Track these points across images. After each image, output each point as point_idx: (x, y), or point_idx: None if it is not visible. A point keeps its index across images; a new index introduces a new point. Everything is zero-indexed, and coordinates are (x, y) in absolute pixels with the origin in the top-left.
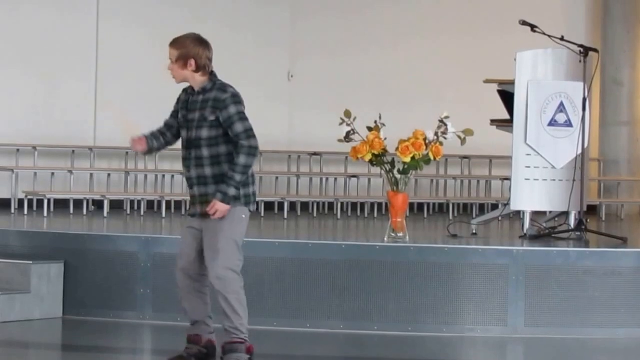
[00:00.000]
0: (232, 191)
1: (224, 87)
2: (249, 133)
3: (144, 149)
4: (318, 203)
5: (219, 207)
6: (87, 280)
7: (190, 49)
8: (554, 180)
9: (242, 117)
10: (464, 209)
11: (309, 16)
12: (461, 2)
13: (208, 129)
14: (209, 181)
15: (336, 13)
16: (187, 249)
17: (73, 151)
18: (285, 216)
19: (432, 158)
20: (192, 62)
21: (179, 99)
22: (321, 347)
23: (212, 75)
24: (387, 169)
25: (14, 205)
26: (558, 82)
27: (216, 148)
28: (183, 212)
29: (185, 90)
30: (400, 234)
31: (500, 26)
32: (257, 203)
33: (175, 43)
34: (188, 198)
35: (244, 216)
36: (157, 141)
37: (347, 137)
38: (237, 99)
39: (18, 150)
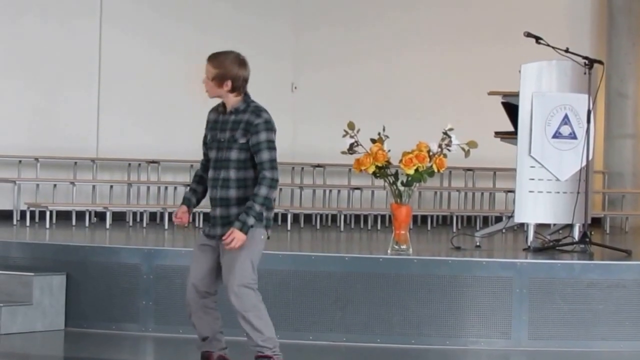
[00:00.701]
0: (250, 220)
1: (258, 111)
2: (273, 164)
3: (188, 219)
4: (321, 215)
5: (236, 235)
6: (89, 292)
7: (229, 70)
8: (558, 192)
9: (271, 147)
10: (468, 221)
11: (312, 28)
12: (465, 14)
13: (237, 150)
14: (231, 203)
15: (339, 25)
16: (198, 266)
17: (75, 162)
18: (289, 228)
19: (435, 170)
20: (229, 82)
21: (207, 121)
22: None
23: (245, 95)
24: (391, 181)
25: (15, 217)
26: (562, 94)
27: (244, 171)
28: (186, 224)
29: (215, 110)
30: (404, 247)
31: (505, 38)
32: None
33: (214, 60)
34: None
35: (262, 237)
36: (197, 193)
37: (351, 149)
38: (269, 126)
39: (20, 161)
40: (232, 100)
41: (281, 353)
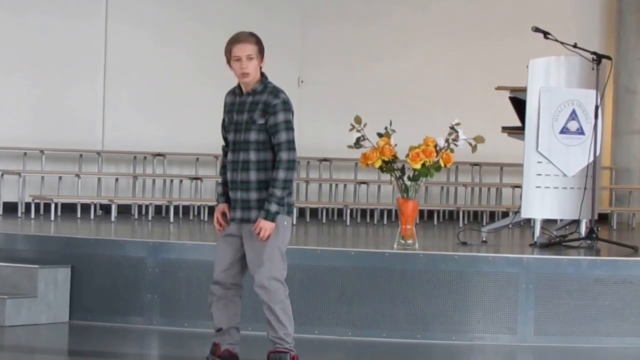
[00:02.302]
0: (273, 207)
1: (276, 92)
2: (291, 145)
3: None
4: (327, 209)
5: (263, 225)
6: (94, 285)
7: (263, 45)
8: (565, 188)
9: (289, 127)
10: (474, 216)
11: (320, 22)
12: (473, 9)
13: (256, 132)
14: (251, 186)
15: (346, 19)
16: (223, 258)
17: (81, 155)
18: (294, 222)
19: (442, 165)
20: (263, 59)
21: (224, 104)
22: (329, 355)
23: (263, 76)
24: (397, 175)
25: (20, 209)
26: (570, 90)
27: (264, 153)
28: (191, 217)
29: (231, 92)
30: (410, 241)
31: (513, 33)
32: None
33: (253, 37)
34: (196, 203)
35: (285, 223)
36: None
37: (357, 144)
38: (287, 106)
39: (25, 153)
40: (254, 80)
41: (295, 351)
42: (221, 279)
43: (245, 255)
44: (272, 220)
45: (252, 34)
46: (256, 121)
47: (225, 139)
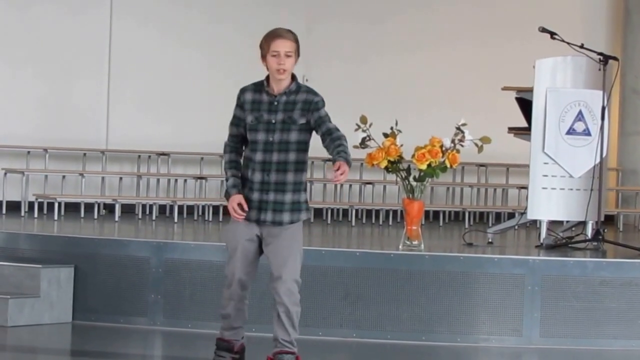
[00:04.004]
0: (349, 157)
1: (313, 91)
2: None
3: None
4: (332, 210)
5: (346, 168)
6: (97, 285)
7: (299, 45)
8: (572, 189)
9: (330, 120)
10: (480, 217)
11: (325, 21)
12: (479, 9)
13: (297, 132)
14: (288, 188)
15: (351, 19)
16: (246, 260)
17: (84, 154)
18: None
19: (448, 165)
20: (298, 58)
21: (243, 102)
22: (333, 356)
23: (293, 76)
24: (403, 176)
25: (23, 208)
26: (577, 90)
27: (303, 154)
28: (195, 216)
29: (251, 90)
30: (415, 242)
31: (519, 33)
32: None
33: (291, 34)
34: (200, 203)
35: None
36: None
37: (363, 143)
38: (324, 103)
39: (29, 152)
40: (288, 79)
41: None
42: (245, 278)
43: (267, 257)
44: (349, 165)
45: (291, 31)
46: (297, 121)
47: (235, 136)
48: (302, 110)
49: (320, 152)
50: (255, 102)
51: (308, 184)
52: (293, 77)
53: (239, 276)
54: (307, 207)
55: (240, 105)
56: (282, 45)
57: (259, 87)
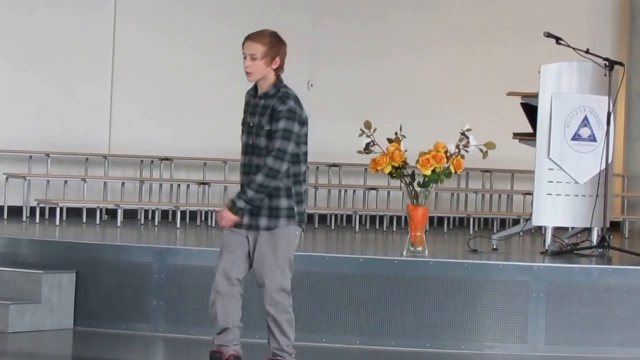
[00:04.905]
0: (240, 203)
1: (285, 98)
2: (281, 155)
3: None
4: (336, 215)
5: (224, 215)
6: (99, 290)
7: (278, 47)
8: (577, 195)
9: (286, 136)
10: (485, 223)
11: (330, 24)
12: (485, 13)
13: (265, 138)
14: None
15: (357, 22)
16: (233, 249)
17: (87, 159)
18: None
19: (453, 171)
20: (278, 59)
21: (245, 102)
22: None
23: (278, 79)
24: (407, 181)
25: (25, 213)
26: (582, 96)
27: None
28: (198, 222)
29: (249, 92)
30: (420, 248)
31: (524, 38)
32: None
33: (262, 37)
34: (203, 208)
35: (297, 233)
36: None
37: (367, 149)
38: (292, 115)
39: (30, 157)
40: (270, 82)
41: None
42: (229, 270)
43: (253, 258)
44: (235, 214)
45: (268, 34)
46: (264, 127)
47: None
48: (269, 117)
49: (324, 157)
50: (247, 104)
51: (312, 189)
52: (278, 80)
53: (223, 265)
54: (292, 215)
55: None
56: (247, 48)
57: (251, 89)
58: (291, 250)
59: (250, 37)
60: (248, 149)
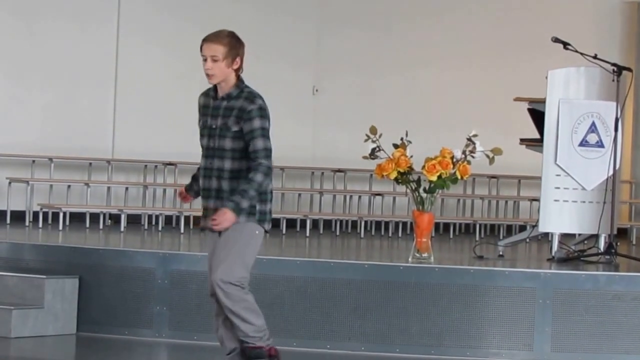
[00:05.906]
0: (245, 203)
1: (252, 97)
2: (268, 153)
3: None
4: (341, 221)
5: (227, 216)
6: (102, 296)
7: (237, 47)
8: (584, 202)
9: (265, 135)
10: (491, 229)
11: (335, 31)
12: (492, 19)
13: (231, 139)
14: (225, 195)
15: (363, 28)
16: (210, 257)
17: (90, 163)
18: (307, 234)
19: (459, 177)
20: (238, 60)
21: (199, 106)
22: None
23: (239, 80)
24: (413, 187)
25: (28, 218)
26: (590, 102)
27: (239, 162)
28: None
29: (205, 94)
30: (425, 255)
31: (532, 43)
32: (279, 220)
33: (220, 39)
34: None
35: (257, 232)
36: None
37: (372, 154)
38: (263, 113)
39: (34, 161)
40: (231, 83)
41: (272, 340)
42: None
43: None
44: (238, 215)
45: (226, 34)
46: (230, 128)
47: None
48: (237, 118)
49: (330, 162)
50: (204, 107)
51: (317, 195)
52: (240, 81)
53: (209, 286)
54: (253, 213)
55: (198, 110)
56: (207, 50)
57: (211, 91)
58: (249, 250)
59: (209, 39)
60: (209, 152)
